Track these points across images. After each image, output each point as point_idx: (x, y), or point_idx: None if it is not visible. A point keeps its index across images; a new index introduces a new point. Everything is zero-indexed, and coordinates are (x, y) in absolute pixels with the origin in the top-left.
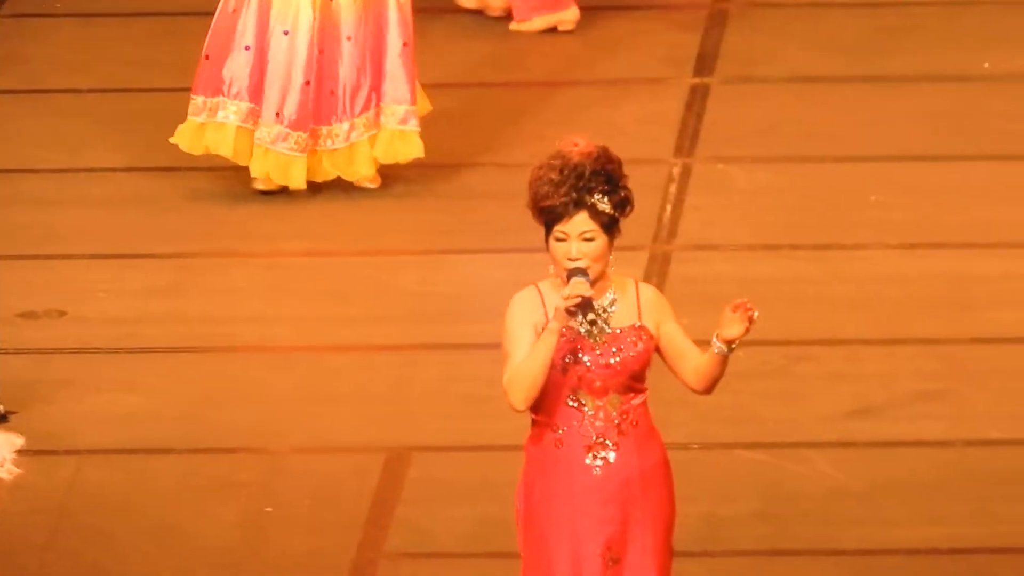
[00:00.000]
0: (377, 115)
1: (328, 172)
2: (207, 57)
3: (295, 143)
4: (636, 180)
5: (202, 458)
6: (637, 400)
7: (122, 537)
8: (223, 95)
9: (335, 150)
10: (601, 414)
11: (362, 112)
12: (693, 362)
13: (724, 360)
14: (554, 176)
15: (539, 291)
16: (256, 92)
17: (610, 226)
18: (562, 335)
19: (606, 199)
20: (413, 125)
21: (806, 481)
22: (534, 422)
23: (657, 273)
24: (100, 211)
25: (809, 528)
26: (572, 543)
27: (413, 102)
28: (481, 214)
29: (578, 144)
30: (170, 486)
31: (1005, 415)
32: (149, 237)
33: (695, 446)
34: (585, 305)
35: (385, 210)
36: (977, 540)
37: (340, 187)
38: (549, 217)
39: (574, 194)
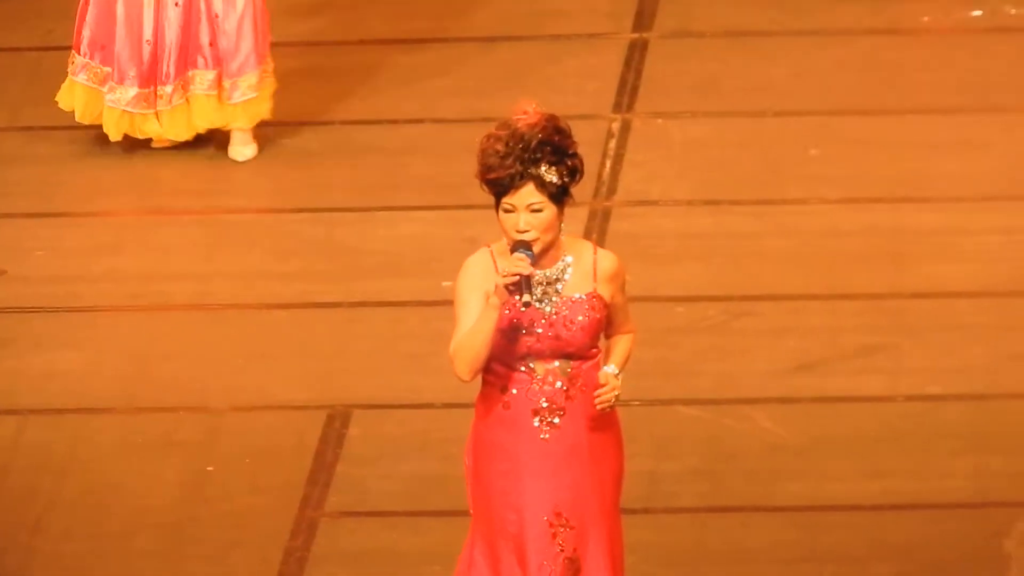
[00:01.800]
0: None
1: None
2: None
3: (145, 102)
4: (576, 137)
5: (142, 417)
6: (587, 364)
7: (64, 496)
8: (79, 53)
9: (166, 110)
10: (550, 378)
11: (181, 74)
12: (611, 331)
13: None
14: (500, 148)
15: (492, 255)
16: (108, 54)
17: (559, 196)
18: (507, 308)
19: (552, 170)
20: (238, 97)
21: (746, 437)
22: (484, 381)
23: (597, 229)
24: (38, 169)
25: (749, 484)
26: (518, 506)
27: (243, 70)
28: (419, 169)
29: (528, 112)
30: (111, 445)
31: (945, 369)
32: (87, 197)
33: (635, 403)
34: (524, 283)
35: (322, 166)
36: (918, 495)
37: (277, 143)
38: (496, 189)
39: (519, 166)
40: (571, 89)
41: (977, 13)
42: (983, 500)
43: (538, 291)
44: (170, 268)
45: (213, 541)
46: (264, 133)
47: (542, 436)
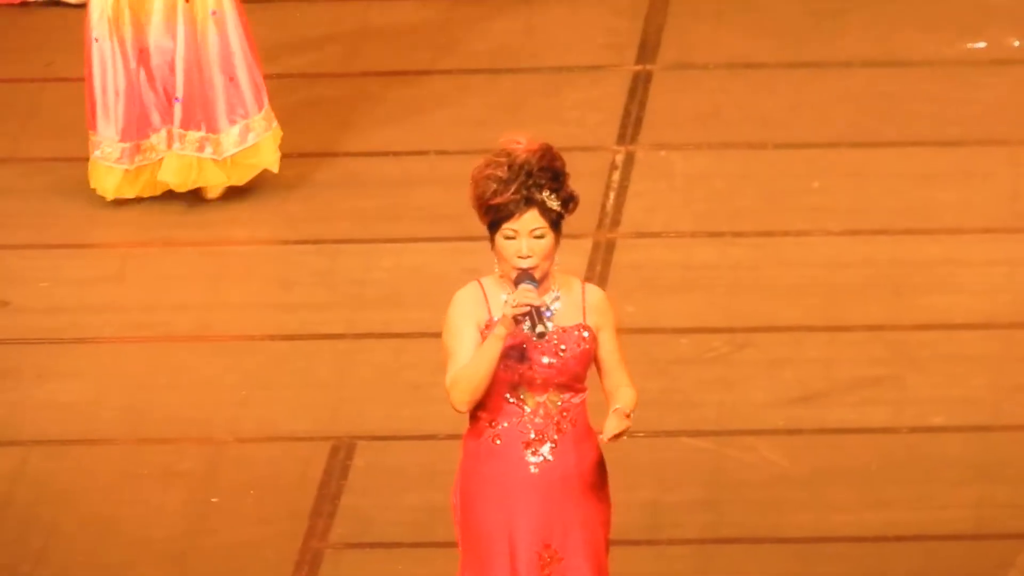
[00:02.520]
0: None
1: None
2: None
3: (110, 152)
4: (579, 167)
5: (145, 448)
6: (577, 399)
7: (66, 527)
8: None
9: (154, 162)
10: (541, 411)
11: (168, 125)
12: (612, 382)
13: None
14: (501, 174)
15: (482, 287)
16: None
17: (557, 223)
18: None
19: (553, 196)
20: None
21: (749, 468)
22: (472, 416)
23: (601, 261)
24: (41, 202)
25: (752, 515)
26: (509, 541)
27: (214, 131)
28: (423, 201)
29: (520, 142)
30: (113, 476)
31: (948, 400)
32: (89, 227)
33: (639, 434)
34: (533, 314)
35: (325, 197)
36: (921, 526)
37: (280, 175)
38: (497, 215)
39: (524, 191)
40: (574, 121)
41: (980, 45)
42: (986, 531)
43: (550, 324)
44: (173, 299)
45: (217, 573)
46: None
47: (532, 470)
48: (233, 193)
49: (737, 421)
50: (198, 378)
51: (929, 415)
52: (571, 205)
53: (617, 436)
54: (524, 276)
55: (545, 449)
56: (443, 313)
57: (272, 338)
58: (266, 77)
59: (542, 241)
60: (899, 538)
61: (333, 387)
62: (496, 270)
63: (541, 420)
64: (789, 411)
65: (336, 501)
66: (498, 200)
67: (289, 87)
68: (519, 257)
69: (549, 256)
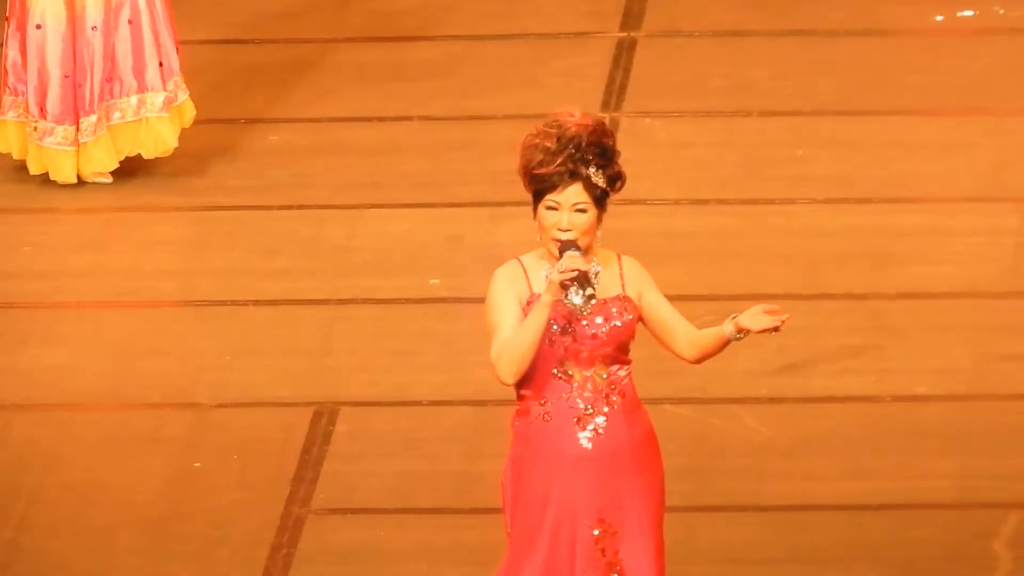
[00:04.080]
0: (133, 107)
1: (85, 167)
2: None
3: (62, 138)
4: None
5: (128, 413)
6: (623, 371)
7: (49, 492)
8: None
9: (87, 143)
10: (589, 385)
11: (105, 101)
12: (686, 333)
13: (727, 343)
14: (550, 144)
15: (521, 264)
16: (24, 87)
17: (601, 200)
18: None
19: (600, 173)
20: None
21: (732, 437)
22: (520, 396)
23: None
24: (23, 166)
25: (735, 483)
26: (563, 517)
27: (164, 88)
28: (406, 167)
29: (574, 115)
30: (96, 441)
31: (930, 370)
32: (72, 191)
33: None
34: (581, 278)
35: (309, 163)
36: (902, 495)
37: (264, 141)
38: (541, 185)
39: (570, 164)
40: (558, 88)
41: (967, 13)
42: (967, 501)
43: (596, 288)
44: (156, 264)
45: (199, 538)
46: (251, 130)
47: (584, 444)
48: (217, 158)
49: (720, 389)
50: (181, 344)
51: (911, 384)
52: (618, 184)
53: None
54: (568, 245)
55: (596, 423)
56: (426, 279)
57: (255, 304)
58: (251, 42)
59: (584, 216)
60: (880, 507)
61: (316, 353)
62: (537, 238)
63: (590, 394)
64: (772, 380)
65: (318, 467)
66: (543, 170)
67: (275, 52)
68: (559, 229)
69: (590, 232)
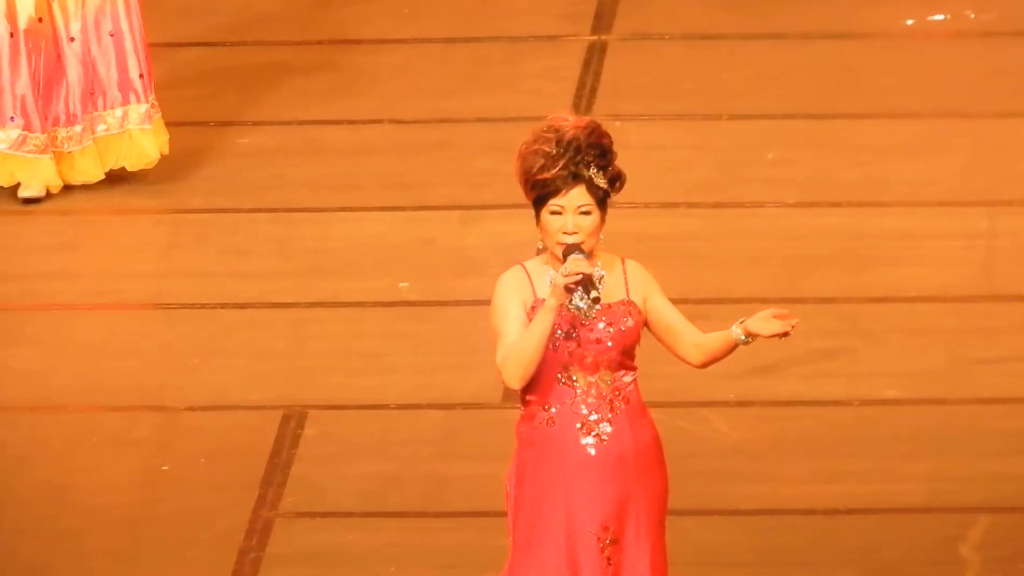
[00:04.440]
0: (118, 119)
1: (70, 175)
2: None
3: (33, 145)
4: None
5: (98, 415)
6: (628, 377)
7: (18, 494)
8: None
9: (72, 152)
10: (593, 391)
11: (89, 113)
12: (692, 337)
13: (735, 346)
14: (549, 149)
15: (525, 270)
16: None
17: (603, 201)
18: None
19: (601, 173)
20: (147, 123)
21: (701, 440)
22: (525, 402)
23: None
24: None
25: (705, 487)
26: (567, 524)
27: (146, 100)
28: (378, 170)
29: (568, 119)
30: (66, 443)
31: (901, 374)
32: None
33: None
34: (586, 282)
35: (281, 165)
36: (873, 499)
37: (235, 143)
38: (544, 191)
39: (572, 167)
40: (530, 90)
41: (938, 17)
42: (938, 505)
43: (600, 286)
44: (127, 267)
45: (167, 541)
46: (222, 132)
47: (589, 451)
48: (188, 160)
49: (689, 392)
50: (151, 346)
51: (882, 388)
52: (618, 183)
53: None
54: (573, 248)
55: (600, 429)
56: (396, 282)
57: (225, 306)
58: (223, 45)
59: (588, 218)
60: (851, 511)
61: (286, 356)
62: (539, 244)
63: (594, 400)
64: (742, 383)
65: (287, 470)
66: (545, 175)
67: (247, 55)
68: (564, 233)
69: (595, 234)
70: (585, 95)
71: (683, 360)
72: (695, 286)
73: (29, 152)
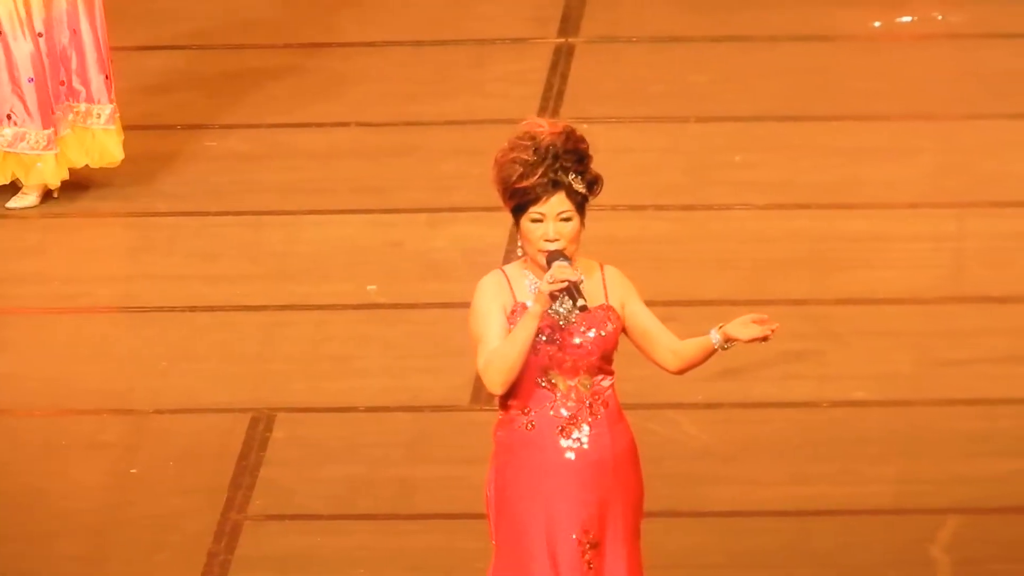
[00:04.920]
0: (82, 115)
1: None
2: None
3: (36, 141)
4: (502, 141)
5: (66, 419)
6: (607, 382)
7: None
8: None
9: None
10: (573, 395)
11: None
12: (669, 343)
13: (712, 353)
14: (527, 157)
15: (505, 274)
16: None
17: (582, 206)
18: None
19: (579, 178)
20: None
21: (671, 442)
22: (504, 406)
23: None
24: None
25: (675, 489)
26: (548, 527)
27: (110, 101)
28: (346, 173)
29: (543, 125)
30: (35, 447)
31: (870, 376)
32: (8, 197)
33: None
34: (571, 289)
35: (249, 169)
36: (842, 501)
37: (204, 146)
38: (524, 199)
39: (551, 174)
40: (497, 93)
41: (906, 19)
42: (907, 507)
43: (582, 300)
44: (95, 270)
45: (136, 544)
46: (190, 136)
47: (568, 455)
48: (156, 163)
49: (658, 395)
50: (120, 349)
51: (851, 390)
52: (596, 188)
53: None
54: (556, 255)
55: (579, 434)
56: (364, 285)
57: (194, 310)
58: (191, 48)
59: (569, 224)
60: (820, 512)
61: (254, 359)
62: (519, 252)
63: (574, 404)
64: (711, 385)
65: (255, 473)
66: (525, 183)
67: (215, 58)
68: (546, 240)
69: (576, 239)
70: (552, 98)
71: (660, 366)
72: (664, 289)
73: (31, 148)
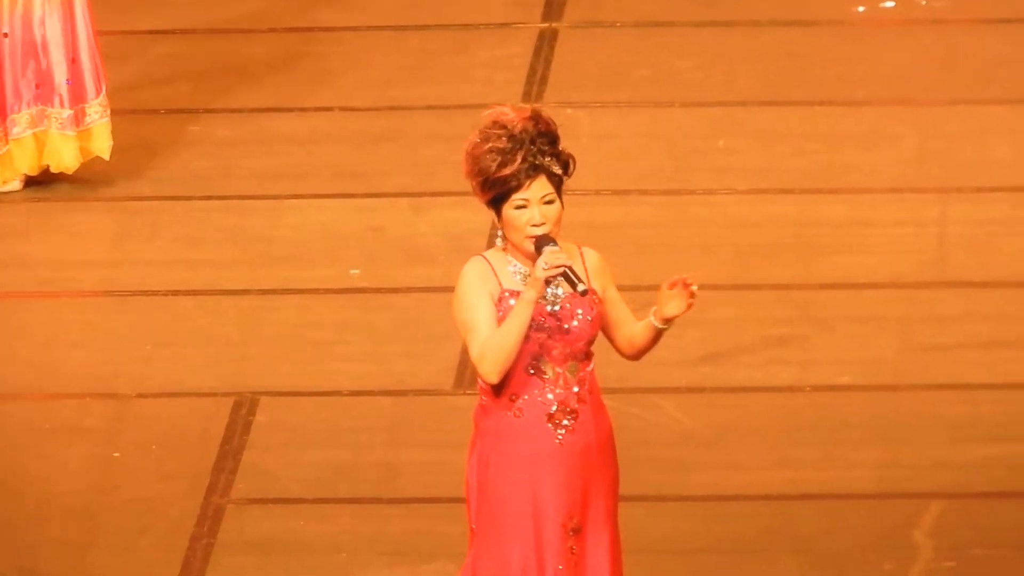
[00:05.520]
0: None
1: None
2: None
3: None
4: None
5: (50, 403)
6: (590, 367)
7: None
8: None
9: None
10: (560, 381)
11: (24, 110)
12: (627, 330)
13: (659, 335)
14: (503, 145)
15: (488, 261)
16: None
17: (560, 187)
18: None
19: (555, 160)
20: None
21: (654, 427)
22: (490, 392)
23: None
24: None
25: (657, 474)
26: (534, 514)
27: (69, 106)
28: (329, 158)
29: (508, 112)
30: (18, 431)
31: (852, 361)
32: None
33: None
34: (567, 274)
35: (232, 154)
36: (824, 485)
37: (186, 131)
38: (505, 187)
39: (530, 159)
40: (481, 79)
41: (889, 4)
42: (889, 491)
43: (582, 285)
44: (79, 255)
45: (119, 528)
46: (173, 121)
47: (556, 441)
48: (138, 148)
49: (641, 379)
50: (103, 334)
51: (834, 375)
52: (571, 168)
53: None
54: (544, 240)
55: (567, 420)
56: (347, 270)
57: (177, 294)
58: (174, 33)
59: (552, 207)
60: (803, 497)
61: (237, 344)
62: (498, 243)
63: (561, 391)
64: (694, 370)
65: (238, 457)
66: (506, 172)
67: (197, 43)
68: (532, 226)
69: (559, 222)
70: (536, 83)
71: (618, 352)
72: (646, 274)
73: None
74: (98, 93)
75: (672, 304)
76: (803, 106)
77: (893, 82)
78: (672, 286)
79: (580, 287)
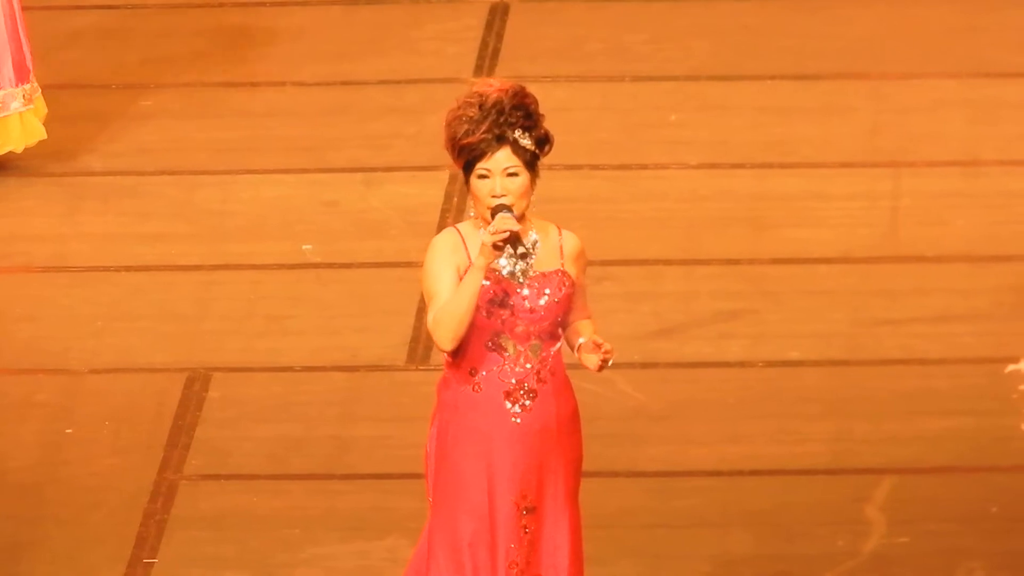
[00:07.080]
0: None
1: None
2: None
3: None
4: (436, 100)
5: (1, 379)
6: (555, 348)
7: None
8: None
9: None
10: (522, 359)
11: None
12: (573, 325)
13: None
14: (473, 113)
15: (459, 232)
16: None
17: (532, 163)
18: (487, 276)
19: (527, 135)
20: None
21: (606, 402)
22: (451, 365)
23: (459, 193)
24: None
25: (609, 449)
26: (487, 490)
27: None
28: (281, 132)
29: (493, 84)
30: None
31: (804, 335)
32: None
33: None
34: (513, 240)
35: (183, 128)
36: (778, 460)
37: (138, 105)
38: (471, 155)
39: (496, 130)
40: (432, 52)
41: None
42: (842, 466)
43: (532, 251)
44: (29, 229)
45: (72, 504)
46: (124, 96)
47: (513, 419)
48: (90, 123)
49: None
50: (54, 309)
51: (786, 349)
52: (546, 146)
53: (603, 365)
54: (501, 208)
55: (526, 398)
56: (299, 245)
57: (128, 269)
58: (125, 7)
59: (516, 180)
60: (756, 472)
61: (190, 319)
62: (471, 213)
63: (522, 369)
64: (646, 344)
65: (191, 432)
66: (470, 140)
67: (148, 17)
68: (492, 196)
69: (524, 196)
70: (488, 56)
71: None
72: (599, 248)
73: None
74: (18, 83)
75: (589, 359)
76: (755, 80)
77: (846, 55)
78: (594, 347)
79: (520, 250)
